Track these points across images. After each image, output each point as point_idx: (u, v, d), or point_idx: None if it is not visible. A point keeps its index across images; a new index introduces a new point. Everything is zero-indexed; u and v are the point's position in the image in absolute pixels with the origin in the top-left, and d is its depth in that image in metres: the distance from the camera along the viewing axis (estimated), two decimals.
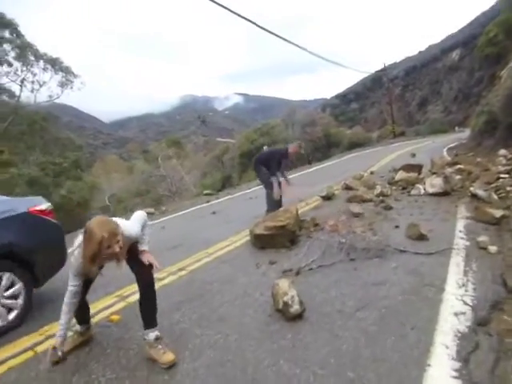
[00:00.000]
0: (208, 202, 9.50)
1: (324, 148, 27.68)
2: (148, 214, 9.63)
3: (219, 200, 10.14)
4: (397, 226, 5.17)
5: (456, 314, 2.73)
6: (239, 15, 10.21)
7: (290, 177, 13.89)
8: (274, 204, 6.79)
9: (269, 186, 6.91)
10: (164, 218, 8.51)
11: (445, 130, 38.75)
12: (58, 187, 24.85)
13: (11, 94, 26.41)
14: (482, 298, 2.97)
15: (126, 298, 3.67)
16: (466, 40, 54.66)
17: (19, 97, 25.60)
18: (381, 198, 7.14)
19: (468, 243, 4.29)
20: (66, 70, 27.12)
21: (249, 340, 2.62)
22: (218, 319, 2.99)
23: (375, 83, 73.11)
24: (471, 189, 6.84)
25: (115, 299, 3.70)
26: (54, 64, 26.69)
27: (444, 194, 7.01)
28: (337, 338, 2.55)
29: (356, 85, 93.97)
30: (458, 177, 8.17)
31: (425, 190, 7.41)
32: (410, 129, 45.22)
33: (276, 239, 4.62)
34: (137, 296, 2.71)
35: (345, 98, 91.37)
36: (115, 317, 3.22)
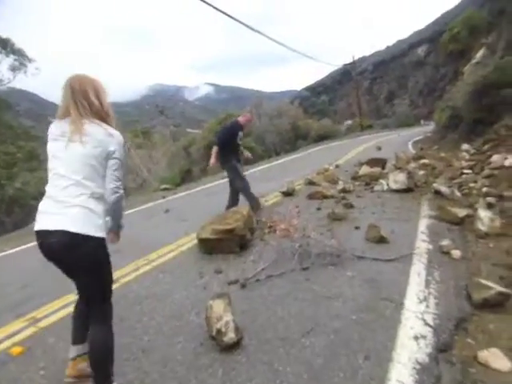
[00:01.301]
0: (164, 197, 8.87)
1: (291, 140, 27.34)
2: None
3: (176, 196, 9.51)
4: (357, 227, 4.82)
5: (416, 338, 2.36)
6: (211, 5, 9.60)
7: (253, 170, 13.54)
8: (253, 195, 5.96)
9: (240, 177, 5.99)
10: None
11: (411, 124, 39.44)
12: (11, 179, 23.30)
13: None
14: (444, 315, 2.62)
15: (38, 322, 3.09)
16: (432, 36, 55.71)
17: None
18: (342, 194, 6.81)
19: (430, 247, 3.98)
20: (19, 53, 25.33)
21: (169, 381, 2.14)
22: (141, 350, 2.49)
23: (344, 76, 73.58)
24: (434, 185, 6.62)
25: (25, 324, 3.11)
26: (5, 46, 24.87)
27: (407, 190, 6.77)
28: (276, 374, 2.11)
29: (326, 78, 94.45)
30: (422, 172, 7.99)
31: (388, 185, 7.15)
32: (378, 122, 45.76)
33: (224, 244, 4.15)
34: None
35: (314, 90, 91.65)
36: (17, 349, 2.65)
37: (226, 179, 10.40)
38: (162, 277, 3.71)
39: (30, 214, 22.00)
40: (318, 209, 6.07)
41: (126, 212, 6.08)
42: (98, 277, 1.95)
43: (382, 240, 4.16)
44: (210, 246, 4.20)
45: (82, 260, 1.86)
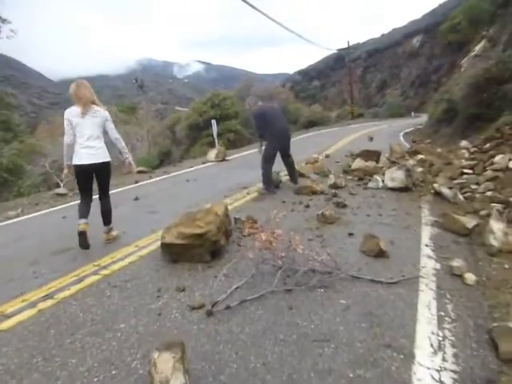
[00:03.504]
0: (137, 182, 8.03)
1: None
2: (58, 195, 8.05)
3: (151, 180, 8.66)
4: (350, 234, 4.14)
5: None
6: None
7: (236, 155, 12.78)
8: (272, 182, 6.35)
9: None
10: (70, 204, 6.77)
11: (401, 114, 38.91)
12: None
13: None
14: (466, 375, 1.98)
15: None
16: (428, 27, 54.73)
17: None
18: (334, 190, 6.12)
19: (438, 266, 3.34)
20: None
21: None
22: None
23: (338, 62, 72.38)
24: (435, 185, 6.01)
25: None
26: None
27: (404, 189, 6.14)
28: None
29: (319, 62, 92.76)
30: (420, 169, 7.36)
31: (383, 182, 6.50)
32: (369, 110, 45.15)
33: (192, 251, 3.42)
34: None
35: (307, 74, 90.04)
36: None
37: (208, 164, 9.73)
38: (108, 294, 2.96)
39: (5, 187, 20.77)
40: (307, 206, 5.38)
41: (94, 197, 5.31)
42: (108, 178, 4.24)
43: (380, 254, 3.50)
44: (175, 253, 3.47)
45: (104, 171, 4.11)
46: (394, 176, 6.31)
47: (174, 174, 9.57)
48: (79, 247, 3.86)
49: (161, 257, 3.59)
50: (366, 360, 2.10)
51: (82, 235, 3.83)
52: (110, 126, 4.11)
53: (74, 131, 3.91)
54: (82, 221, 3.89)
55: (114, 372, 2.06)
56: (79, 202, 4.15)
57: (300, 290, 2.88)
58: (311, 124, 27.84)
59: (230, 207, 5.44)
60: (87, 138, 3.90)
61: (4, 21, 22.19)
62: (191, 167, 10.51)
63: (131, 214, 5.57)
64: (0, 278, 3.43)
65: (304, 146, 14.66)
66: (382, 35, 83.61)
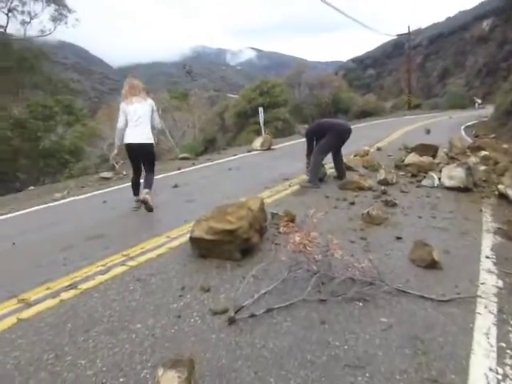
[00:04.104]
0: (179, 169, 7.98)
1: (330, 114, 25.51)
2: (102, 179, 8.20)
3: (193, 168, 8.56)
4: (399, 238, 3.73)
5: None
6: None
7: (282, 145, 12.40)
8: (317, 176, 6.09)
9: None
10: (113, 188, 6.89)
11: (464, 106, 36.12)
12: (47, 132, 23.23)
13: None
14: None
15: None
16: (501, 9, 50.08)
17: (6, 27, 23.42)
18: (383, 187, 5.64)
19: (500, 283, 2.87)
20: (59, 2, 24.61)
21: None
22: None
23: (395, 49, 68.83)
24: (500, 186, 5.34)
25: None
26: None
27: (464, 189, 5.53)
28: None
29: (375, 50, 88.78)
30: (483, 167, 6.62)
31: (440, 181, 5.91)
32: (427, 101, 42.48)
33: (222, 248, 3.21)
34: None
35: (362, 62, 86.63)
36: None
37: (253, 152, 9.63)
38: (131, 288, 2.83)
39: (65, 168, 21.96)
40: (351, 203, 4.99)
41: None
42: (152, 157, 4.95)
43: (432, 265, 3.08)
44: (204, 248, 3.28)
45: (149, 151, 4.85)
46: (453, 174, 5.70)
47: (218, 161, 9.43)
48: (146, 211, 4.70)
49: (190, 251, 3.41)
50: None
51: (145, 205, 4.66)
52: (156, 113, 5.00)
53: (126, 117, 4.73)
54: (136, 198, 5.09)
55: (121, 380, 1.90)
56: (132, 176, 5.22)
57: (335, 302, 2.56)
58: (364, 114, 26.63)
59: (269, 200, 5.19)
60: (136, 120, 4.71)
61: (70, 10, 23.26)
62: (235, 155, 10.33)
63: (168, 202, 5.48)
64: (30, 263, 3.43)
65: (355, 137, 13.92)
66: (448, 18, 78.11)
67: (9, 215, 5.52)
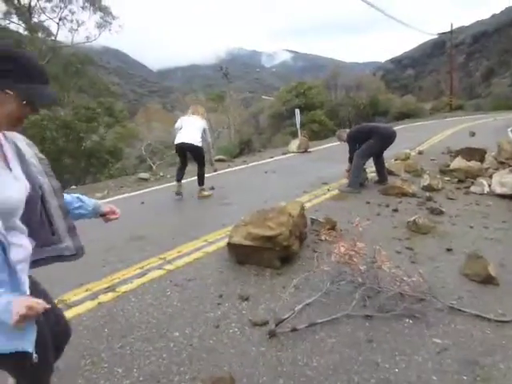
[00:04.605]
0: (215, 171, 8.00)
1: (368, 116, 24.87)
2: (140, 179, 8.33)
3: (229, 169, 8.53)
4: (449, 250, 3.48)
5: None
6: None
7: (321, 147, 12.19)
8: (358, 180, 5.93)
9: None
10: (151, 189, 6.96)
11: (509, 107, 34.19)
12: (90, 133, 24.16)
13: (49, 33, 25.53)
14: None
15: None
16: None
17: (56, 35, 24.65)
18: (428, 194, 5.35)
19: None
20: (105, 10, 25.58)
21: None
22: None
23: (436, 49, 66.58)
24: None
25: None
26: (93, 2, 25.19)
27: None
28: None
29: (414, 50, 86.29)
30: None
31: (490, 187, 5.54)
32: (470, 102, 40.63)
33: (261, 255, 3.10)
34: None
35: (400, 63, 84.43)
36: None
37: (289, 154, 9.56)
38: (169, 293, 2.78)
39: (105, 168, 22.75)
40: (395, 210, 4.75)
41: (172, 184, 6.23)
42: (200, 156, 5.89)
43: (488, 280, 2.83)
44: (242, 254, 3.19)
45: (198, 152, 5.82)
46: (505, 180, 5.33)
47: (253, 164, 9.36)
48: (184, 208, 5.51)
49: (227, 256, 3.34)
50: None
51: (177, 194, 5.77)
52: (206, 131, 5.91)
53: (182, 123, 5.82)
54: (176, 183, 5.93)
55: None
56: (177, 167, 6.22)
57: (383, 318, 2.39)
58: (403, 116, 25.77)
59: (307, 205, 5.04)
60: (187, 128, 5.71)
61: (114, 17, 24.12)
62: (271, 157, 10.22)
63: (205, 205, 5.46)
64: (72, 263, 3.46)
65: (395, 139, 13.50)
66: (493, 16, 74.54)
67: None
